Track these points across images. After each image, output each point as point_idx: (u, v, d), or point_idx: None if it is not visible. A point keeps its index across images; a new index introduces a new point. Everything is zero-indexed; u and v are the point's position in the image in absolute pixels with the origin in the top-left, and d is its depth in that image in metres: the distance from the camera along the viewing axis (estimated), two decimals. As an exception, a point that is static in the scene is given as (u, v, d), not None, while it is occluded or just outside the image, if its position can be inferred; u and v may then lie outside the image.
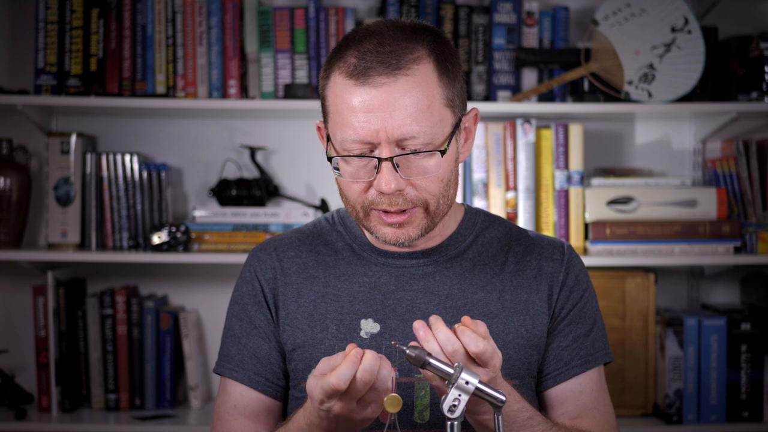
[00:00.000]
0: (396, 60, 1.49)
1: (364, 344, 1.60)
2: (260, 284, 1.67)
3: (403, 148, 1.49)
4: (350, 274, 1.64)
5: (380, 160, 1.49)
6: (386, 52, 1.49)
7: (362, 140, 1.49)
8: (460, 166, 1.63)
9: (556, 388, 1.63)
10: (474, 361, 1.36)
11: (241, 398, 1.65)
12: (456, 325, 1.37)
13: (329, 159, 1.55)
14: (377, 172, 1.50)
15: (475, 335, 1.35)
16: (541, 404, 1.67)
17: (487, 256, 1.65)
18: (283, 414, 1.68)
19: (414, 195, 1.52)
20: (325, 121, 1.58)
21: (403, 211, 1.53)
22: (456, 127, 1.55)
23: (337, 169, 1.55)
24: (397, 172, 1.49)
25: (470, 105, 1.64)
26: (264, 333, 1.65)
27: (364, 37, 1.53)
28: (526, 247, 1.67)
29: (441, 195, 1.54)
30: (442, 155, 1.51)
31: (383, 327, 1.60)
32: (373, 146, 1.50)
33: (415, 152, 1.50)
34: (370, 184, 1.52)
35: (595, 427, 1.62)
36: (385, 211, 1.53)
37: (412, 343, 1.35)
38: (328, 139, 1.56)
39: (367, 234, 1.66)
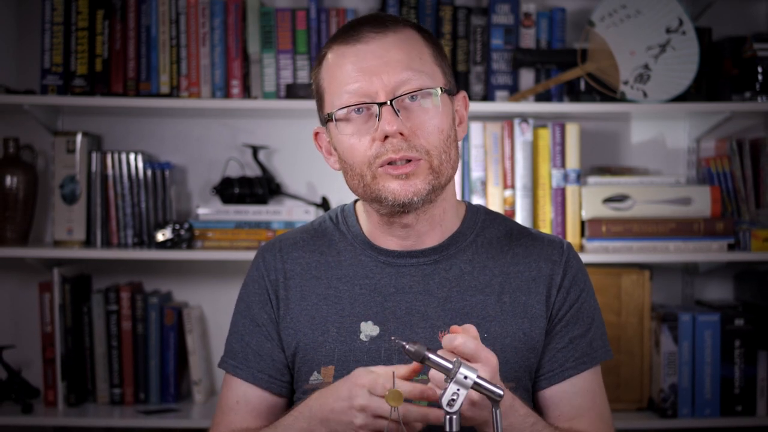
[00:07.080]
0: (383, 21, 1.59)
1: (364, 347, 1.60)
2: (266, 283, 1.68)
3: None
4: (351, 275, 1.65)
5: (380, 105, 1.54)
6: (374, 17, 1.61)
7: (360, 92, 1.56)
8: (459, 164, 1.65)
9: (550, 389, 1.62)
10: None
11: (245, 395, 1.67)
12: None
13: (329, 117, 1.59)
14: (379, 120, 1.54)
15: (451, 336, 1.39)
16: (535, 404, 1.65)
17: (487, 257, 1.65)
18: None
19: (417, 142, 1.55)
20: (321, 106, 1.63)
21: (408, 162, 1.55)
22: (448, 91, 1.60)
23: (339, 118, 1.58)
24: (398, 117, 1.54)
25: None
26: (267, 331, 1.66)
27: (351, 23, 1.62)
28: (526, 248, 1.66)
29: (442, 150, 1.57)
30: (442, 91, 1.57)
31: (383, 330, 1.60)
32: (372, 100, 1.55)
33: (412, 95, 1.55)
34: (373, 140, 1.56)
35: (592, 428, 1.61)
36: (392, 164, 1.55)
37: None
38: (328, 115, 1.60)
39: (367, 233, 1.67)
